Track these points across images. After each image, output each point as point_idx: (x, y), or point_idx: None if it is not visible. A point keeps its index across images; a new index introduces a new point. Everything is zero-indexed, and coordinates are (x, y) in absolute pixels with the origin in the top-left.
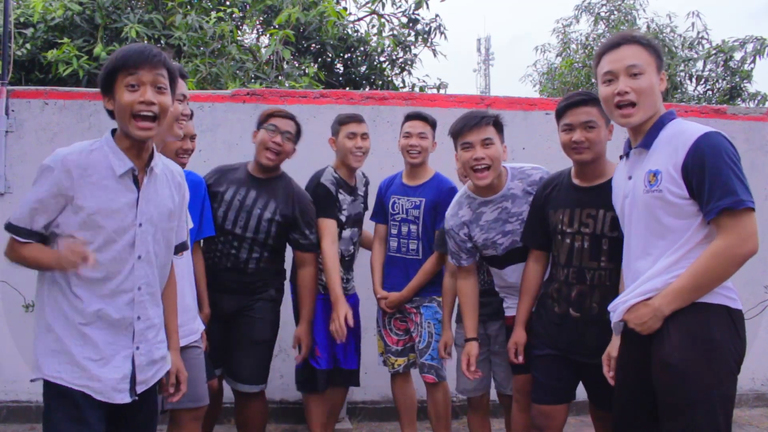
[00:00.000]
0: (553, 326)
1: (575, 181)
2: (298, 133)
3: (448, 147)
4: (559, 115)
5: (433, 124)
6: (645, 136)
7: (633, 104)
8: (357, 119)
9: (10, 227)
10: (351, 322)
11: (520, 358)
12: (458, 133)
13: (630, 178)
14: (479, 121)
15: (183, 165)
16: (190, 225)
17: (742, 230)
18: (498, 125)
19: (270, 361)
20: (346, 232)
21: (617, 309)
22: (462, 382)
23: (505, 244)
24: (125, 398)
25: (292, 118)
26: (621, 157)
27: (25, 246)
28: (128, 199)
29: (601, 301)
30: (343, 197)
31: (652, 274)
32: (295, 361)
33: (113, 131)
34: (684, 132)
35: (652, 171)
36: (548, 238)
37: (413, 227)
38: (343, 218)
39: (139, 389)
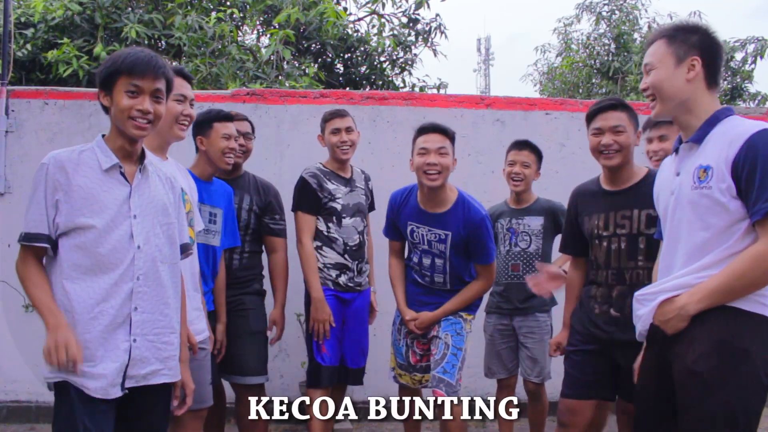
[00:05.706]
0: (591, 324)
1: (605, 186)
2: (253, 129)
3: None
4: (589, 119)
5: (452, 137)
6: (697, 131)
7: (653, 97)
8: (340, 114)
9: (22, 237)
10: (331, 325)
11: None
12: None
13: (678, 174)
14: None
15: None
16: (200, 227)
17: None
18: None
19: (267, 352)
20: (347, 221)
21: (647, 305)
22: (488, 366)
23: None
24: (117, 392)
25: (246, 118)
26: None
27: (34, 265)
28: (121, 192)
29: None
30: (335, 186)
31: (686, 272)
32: (270, 344)
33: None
34: (739, 126)
35: (702, 166)
36: (585, 246)
37: (438, 261)
38: (338, 206)
39: (128, 384)
